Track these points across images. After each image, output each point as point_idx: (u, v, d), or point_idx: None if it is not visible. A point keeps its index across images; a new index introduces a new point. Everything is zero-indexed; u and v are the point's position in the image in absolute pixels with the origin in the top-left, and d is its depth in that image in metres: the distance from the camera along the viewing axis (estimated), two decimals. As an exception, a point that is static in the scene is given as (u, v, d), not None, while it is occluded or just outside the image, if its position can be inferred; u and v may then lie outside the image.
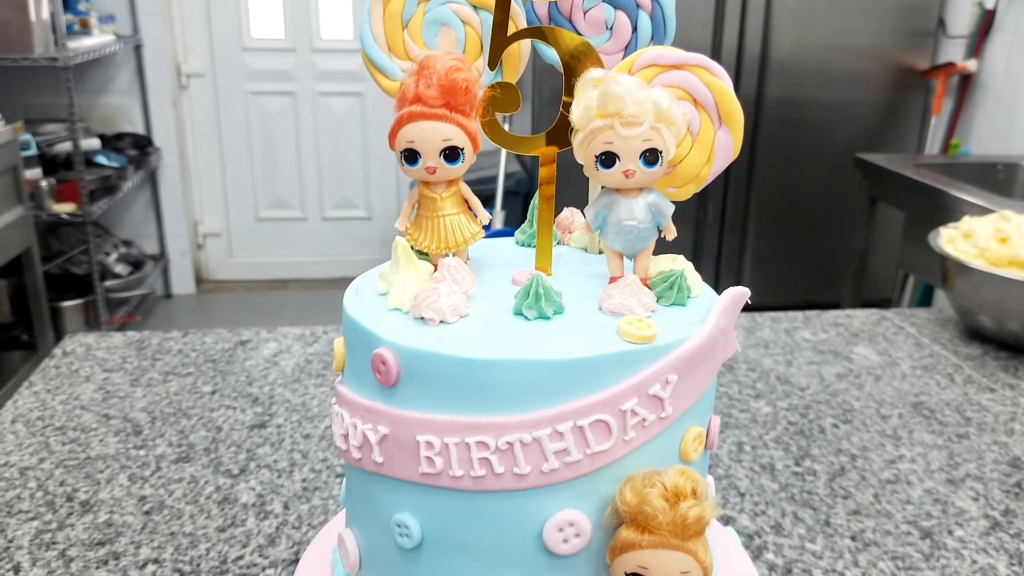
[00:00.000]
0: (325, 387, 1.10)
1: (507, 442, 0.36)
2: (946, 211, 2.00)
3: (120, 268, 3.30)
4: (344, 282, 0.43)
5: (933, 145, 2.74)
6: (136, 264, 3.42)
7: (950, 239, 1.26)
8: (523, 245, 0.50)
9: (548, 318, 0.39)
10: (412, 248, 0.43)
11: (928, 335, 1.26)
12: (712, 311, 0.39)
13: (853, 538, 0.81)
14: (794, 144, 2.79)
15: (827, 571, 0.77)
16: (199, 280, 3.84)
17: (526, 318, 0.39)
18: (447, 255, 0.43)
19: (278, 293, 3.77)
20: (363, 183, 3.64)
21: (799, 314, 1.33)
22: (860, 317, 1.32)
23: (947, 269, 1.24)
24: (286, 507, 0.85)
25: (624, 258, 0.42)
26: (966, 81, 2.67)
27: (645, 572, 0.36)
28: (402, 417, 0.38)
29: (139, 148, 3.42)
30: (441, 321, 0.38)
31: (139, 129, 3.52)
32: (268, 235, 3.84)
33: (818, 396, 1.08)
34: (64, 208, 2.89)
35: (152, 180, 3.56)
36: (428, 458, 0.37)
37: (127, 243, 3.49)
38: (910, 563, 0.78)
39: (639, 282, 0.40)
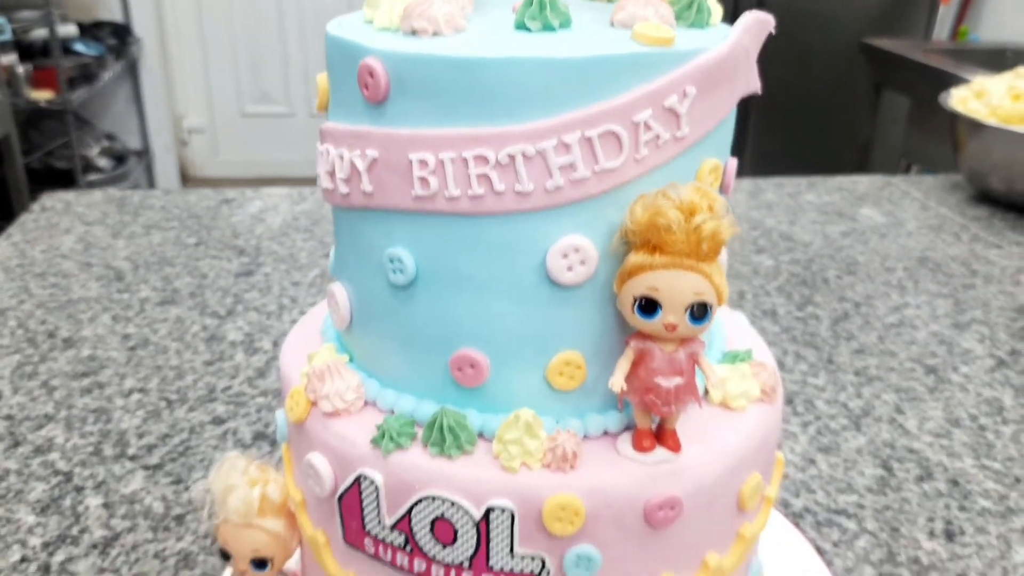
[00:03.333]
0: (313, 241, 1.06)
1: (508, 155, 0.32)
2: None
3: (103, 162, 3.22)
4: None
5: (941, 33, 2.66)
6: (119, 158, 3.34)
7: (962, 99, 1.22)
8: (523, -3, 0.45)
9: (554, 29, 0.35)
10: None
11: (935, 199, 1.22)
12: (734, 28, 0.35)
13: (856, 374, 0.79)
14: (799, 34, 2.69)
15: (830, 402, 0.75)
16: (184, 178, 3.76)
17: (528, 31, 0.35)
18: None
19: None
20: (352, 79, 3.49)
21: (803, 179, 1.29)
22: (865, 182, 1.28)
23: (958, 131, 1.20)
24: (275, 344, 0.83)
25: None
26: (977, -32, 2.57)
27: (655, 294, 0.33)
28: (393, 136, 0.34)
29: (118, 37, 3.29)
30: (435, 33, 0.34)
31: (117, 17, 3.38)
32: (254, 131, 3.74)
33: (821, 251, 1.05)
34: (42, 95, 2.79)
35: (133, 71, 3.44)
36: (422, 179, 0.34)
37: (109, 137, 3.40)
38: (914, 395, 0.76)
39: (655, -9, 0.36)
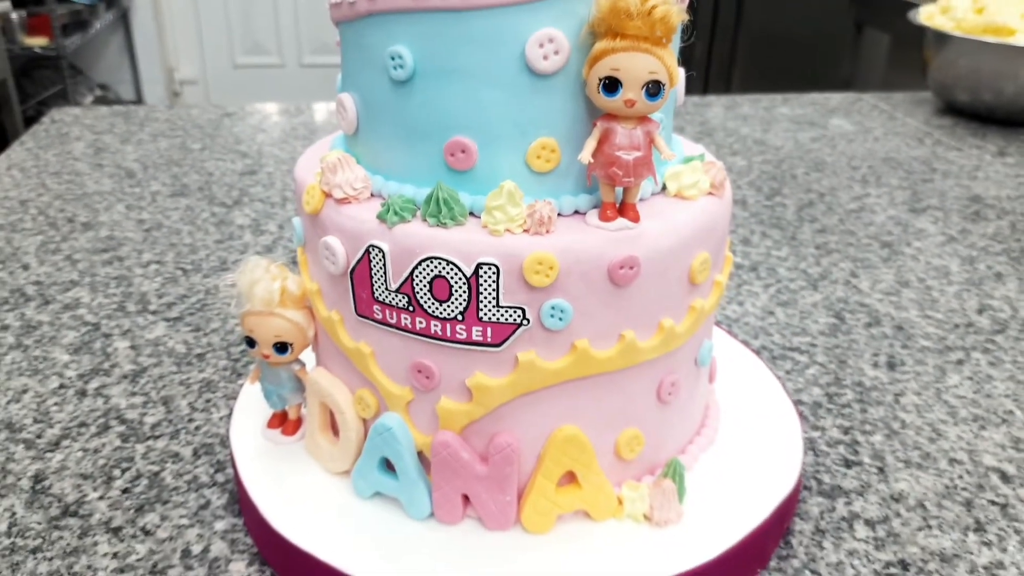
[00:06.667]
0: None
1: (492, -49, 0.39)
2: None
3: (94, 107, 3.24)
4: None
5: (922, -25, 2.70)
6: (114, 109, 3.36)
7: (929, 15, 1.28)
8: None
9: None
10: None
11: (903, 111, 1.29)
12: None
13: (817, 247, 0.86)
14: (784, -23, 2.74)
15: (791, 268, 0.82)
16: (179, 130, 3.79)
17: None
18: None
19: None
20: (343, 30, 3.50)
21: (778, 95, 1.35)
22: (837, 98, 1.35)
23: (925, 46, 1.26)
24: (281, 227, 0.89)
25: None
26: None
27: (617, 74, 0.39)
28: (395, -59, 0.40)
29: (110, -14, 3.30)
30: None
31: (108, -33, 3.39)
32: (246, 83, 3.76)
33: (792, 153, 1.12)
34: (36, 42, 2.81)
35: (124, 21, 3.46)
36: (419, -25, 0.40)
37: (103, 87, 3.42)
38: (869, 264, 0.83)
39: None
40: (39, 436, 0.58)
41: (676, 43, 0.44)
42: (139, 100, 3.58)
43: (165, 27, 3.60)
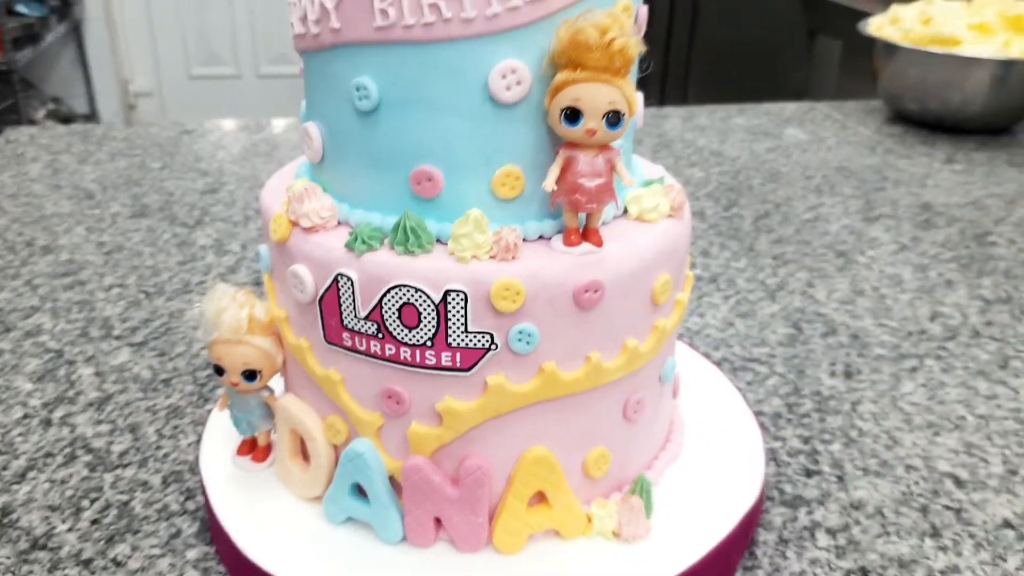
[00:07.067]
0: (273, 163, 1.12)
1: (454, -15, 0.40)
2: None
3: (49, 126, 3.18)
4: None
5: (871, -16, 2.77)
6: (66, 121, 3.30)
7: (878, 27, 1.31)
8: None
9: None
10: None
11: (854, 120, 1.32)
12: None
13: (774, 258, 0.88)
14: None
15: (749, 279, 0.84)
16: (135, 143, 3.73)
17: None
18: None
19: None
20: (301, 40, 3.46)
21: (734, 106, 1.37)
22: (791, 107, 1.38)
23: (875, 56, 1.30)
24: (244, 247, 0.89)
25: None
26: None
27: (578, 104, 0.40)
28: (355, -26, 0.41)
29: (61, -2, 3.25)
30: None
31: (59, -22, 3.33)
32: (202, 94, 3.72)
33: (748, 164, 1.14)
34: (-14, 56, 2.75)
35: (77, 33, 3.40)
36: (382, 11, 0.40)
37: (56, 100, 3.36)
38: (824, 273, 0.85)
39: None
40: (4, 468, 0.57)
41: (634, 73, 0.45)
42: (93, 113, 3.52)
43: (119, 39, 3.55)
